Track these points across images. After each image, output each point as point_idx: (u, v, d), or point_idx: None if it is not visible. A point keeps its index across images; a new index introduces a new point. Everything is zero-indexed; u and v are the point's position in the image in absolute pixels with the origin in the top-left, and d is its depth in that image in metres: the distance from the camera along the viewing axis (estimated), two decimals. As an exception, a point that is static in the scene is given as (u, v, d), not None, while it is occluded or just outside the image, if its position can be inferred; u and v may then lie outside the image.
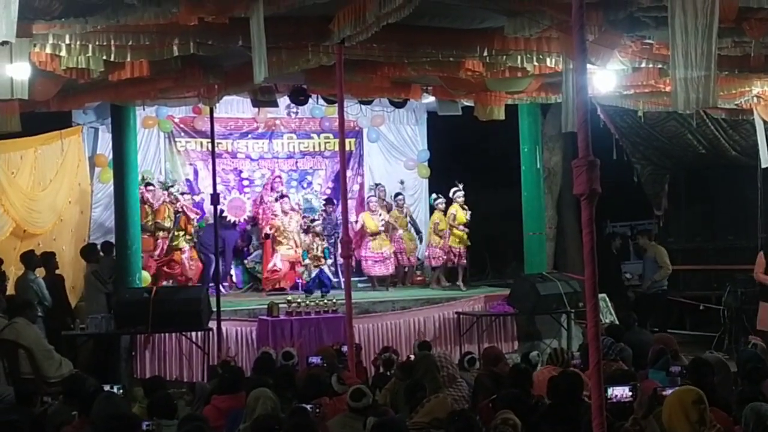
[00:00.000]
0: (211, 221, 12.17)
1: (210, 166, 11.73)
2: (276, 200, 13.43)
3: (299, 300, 11.31)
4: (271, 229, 13.17)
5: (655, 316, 12.71)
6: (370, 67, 9.52)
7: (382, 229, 13.43)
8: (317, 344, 10.22)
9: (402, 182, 14.76)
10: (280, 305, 11.07)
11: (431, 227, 13.51)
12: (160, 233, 12.67)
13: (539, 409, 5.92)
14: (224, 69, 9.56)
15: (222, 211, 13.24)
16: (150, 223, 12.59)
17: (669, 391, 5.43)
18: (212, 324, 10.39)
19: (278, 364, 8.28)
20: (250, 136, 14.49)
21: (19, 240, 11.27)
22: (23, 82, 7.33)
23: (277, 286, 13.07)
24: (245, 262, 13.94)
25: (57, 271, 11.02)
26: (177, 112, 13.71)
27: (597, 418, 4.22)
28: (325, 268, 12.87)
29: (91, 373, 8.54)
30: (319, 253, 12.85)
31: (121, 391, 6.64)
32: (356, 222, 13.50)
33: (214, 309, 10.48)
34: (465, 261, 13.26)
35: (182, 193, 13.15)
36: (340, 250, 12.38)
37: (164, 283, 12.54)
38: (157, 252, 12.68)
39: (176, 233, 12.79)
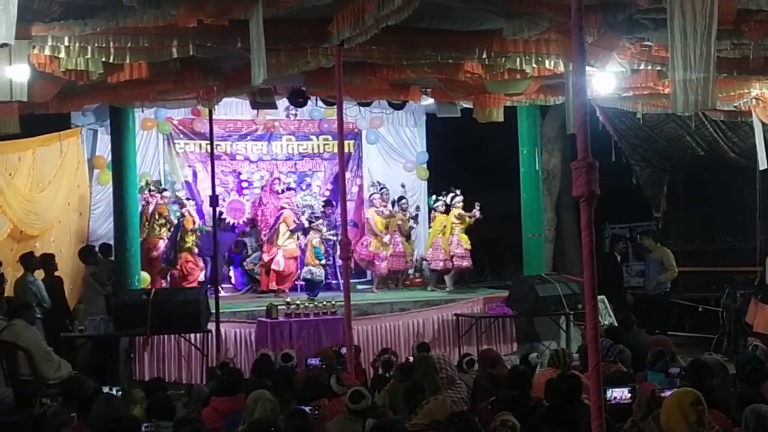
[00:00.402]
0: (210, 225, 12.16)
1: (209, 168, 11.74)
2: (282, 192, 13.45)
3: (298, 302, 11.31)
4: (279, 220, 13.07)
5: (656, 318, 12.70)
6: (369, 69, 9.52)
7: (386, 228, 13.48)
8: (316, 346, 10.22)
9: (403, 186, 14.77)
10: (279, 307, 11.07)
11: (438, 228, 13.46)
12: (162, 230, 12.65)
13: (538, 411, 5.92)
14: (223, 71, 9.56)
15: (221, 213, 13.24)
16: (155, 224, 12.58)
17: (668, 393, 5.43)
18: (211, 326, 10.39)
19: (277, 366, 8.29)
20: (249, 137, 14.48)
21: (16, 242, 11.26)
22: (22, 83, 7.32)
23: (280, 286, 13.00)
24: (244, 264, 13.93)
25: (56, 273, 11.01)
26: (176, 114, 13.70)
27: (596, 420, 4.22)
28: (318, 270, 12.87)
29: (90, 374, 8.54)
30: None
31: (120, 392, 6.65)
32: (365, 218, 13.55)
33: (213, 311, 10.48)
34: (469, 263, 13.25)
35: (187, 198, 13.15)
36: (339, 252, 12.40)
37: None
38: (156, 253, 12.67)
39: (185, 237, 12.74)
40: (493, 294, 12.78)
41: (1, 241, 10.81)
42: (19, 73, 7.26)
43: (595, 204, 4.25)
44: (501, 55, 8.70)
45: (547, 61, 8.84)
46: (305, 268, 12.90)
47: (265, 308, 11.10)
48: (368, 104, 12.90)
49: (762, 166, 11.21)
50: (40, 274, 10.67)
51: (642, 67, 9.12)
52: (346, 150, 12.55)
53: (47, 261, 10.89)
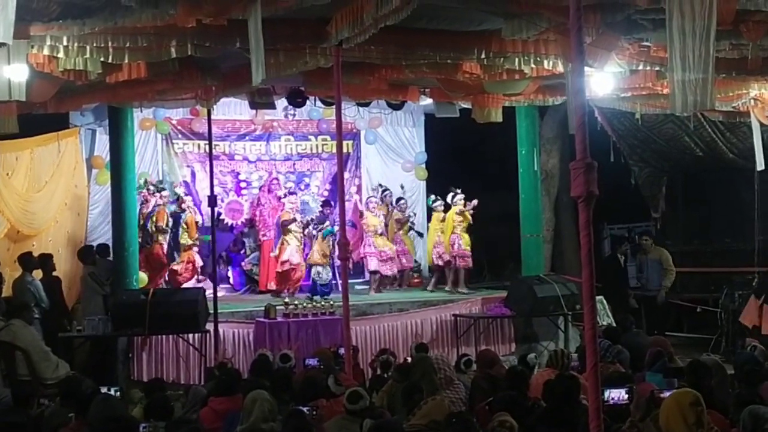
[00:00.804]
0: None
1: (207, 168, 11.73)
2: (285, 196, 13.43)
3: (296, 302, 11.30)
4: (285, 223, 13.03)
5: (655, 319, 12.70)
6: (368, 69, 9.52)
7: (384, 225, 13.46)
8: (314, 346, 10.21)
9: (402, 186, 14.76)
10: (278, 307, 11.07)
11: (438, 227, 13.45)
12: (161, 237, 12.64)
13: (536, 412, 5.92)
14: (222, 71, 9.55)
15: (219, 213, 13.23)
16: (152, 228, 12.56)
17: (666, 394, 5.43)
18: (209, 326, 10.38)
19: (275, 366, 8.28)
20: (247, 138, 14.46)
21: (12, 242, 11.26)
22: (21, 83, 7.32)
23: (281, 287, 12.95)
24: (242, 264, 13.92)
25: (54, 273, 11.00)
26: (174, 114, 13.69)
27: (594, 421, 4.22)
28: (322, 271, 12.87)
29: (88, 375, 8.52)
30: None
31: (118, 393, 6.65)
32: (361, 219, 13.57)
33: (211, 311, 10.47)
34: (469, 264, 13.25)
35: (185, 194, 13.15)
36: (337, 252, 12.39)
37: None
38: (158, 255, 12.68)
39: (187, 237, 12.72)
40: (491, 294, 12.77)
41: (-2, 240, 10.83)
42: (18, 73, 7.26)
43: (594, 204, 4.24)
44: (500, 56, 8.70)
45: (545, 62, 8.84)
46: (313, 269, 12.87)
47: (263, 308, 11.10)
48: (367, 104, 12.90)
49: (760, 167, 11.21)
50: (38, 274, 10.67)
51: (641, 67, 9.12)
52: (344, 150, 12.54)
53: (45, 261, 10.89)
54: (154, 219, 12.62)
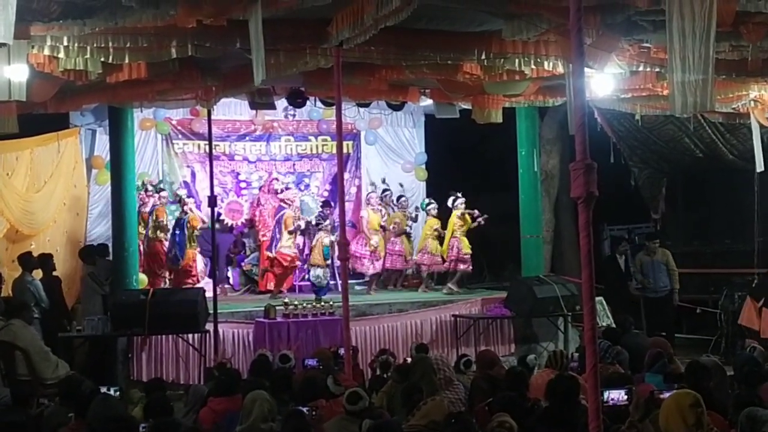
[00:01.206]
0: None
1: (207, 169, 11.74)
2: (281, 191, 13.43)
3: (296, 302, 11.30)
4: (290, 218, 13.04)
5: (661, 321, 12.68)
6: (368, 70, 9.52)
7: (384, 224, 13.47)
8: (314, 347, 10.20)
9: (402, 185, 14.76)
10: (277, 307, 11.07)
11: (428, 232, 13.45)
12: (161, 234, 12.63)
13: (535, 412, 5.92)
14: (222, 71, 9.56)
15: (219, 214, 13.22)
16: (151, 227, 12.54)
17: (666, 395, 5.43)
18: (209, 326, 10.38)
19: (275, 367, 8.27)
20: (247, 138, 14.47)
21: (11, 242, 11.26)
22: (21, 83, 7.32)
23: (277, 288, 12.95)
24: (242, 264, 13.92)
25: (54, 273, 11.01)
26: (174, 114, 13.69)
27: (593, 422, 4.22)
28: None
29: (88, 375, 8.51)
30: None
31: (117, 393, 6.64)
32: (361, 217, 13.60)
33: (211, 311, 10.47)
34: (469, 267, 13.26)
35: (188, 196, 13.14)
36: (337, 252, 12.38)
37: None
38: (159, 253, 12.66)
39: (190, 237, 12.72)
40: (491, 295, 12.77)
41: (-3, 239, 10.84)
42: (18, 73, 7.26)
43: (594, 205, 4.25)
44: (500, 56, 8.70)
45: (545, 63, 8.84)
46: (312, 271, 12.86)
47: (263, 309, 11.10)
48: (367, 105, 12.91)
49: (760, 168, 11.23)
50: (38, 273, 10.67)
51: (641, 68, 9.12)
52: (344, 151, 12.54)
53: (45, 261, 10.89)
54: (154, 216, 12.62)
